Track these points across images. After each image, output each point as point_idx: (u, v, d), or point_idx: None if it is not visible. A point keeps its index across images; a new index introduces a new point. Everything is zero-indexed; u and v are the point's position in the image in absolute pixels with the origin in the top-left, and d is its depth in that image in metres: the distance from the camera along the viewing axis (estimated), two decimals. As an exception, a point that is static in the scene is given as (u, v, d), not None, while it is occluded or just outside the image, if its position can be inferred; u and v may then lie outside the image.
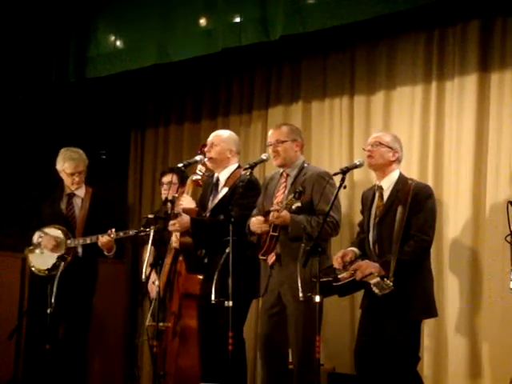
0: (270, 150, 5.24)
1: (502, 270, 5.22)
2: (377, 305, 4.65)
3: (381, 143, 4.81)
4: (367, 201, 4.93)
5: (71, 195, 6.13)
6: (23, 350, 6.69)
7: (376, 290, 4.52)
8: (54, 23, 7.15)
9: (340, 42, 6.39)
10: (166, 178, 6.34)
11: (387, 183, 4.81)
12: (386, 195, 4.79)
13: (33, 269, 6.01)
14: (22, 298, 6.76)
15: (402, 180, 4.79)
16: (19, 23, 7.05)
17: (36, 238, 5.98)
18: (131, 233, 5.85)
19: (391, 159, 4.82)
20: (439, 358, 5.62)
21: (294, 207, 4.86)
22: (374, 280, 4.52)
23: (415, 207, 4.64)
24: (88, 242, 5.92)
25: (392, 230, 4.62)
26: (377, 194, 4.84)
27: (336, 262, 4.79)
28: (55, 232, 5.96)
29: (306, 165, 5.23)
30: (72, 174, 6.06)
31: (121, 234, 5.87)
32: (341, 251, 4.90)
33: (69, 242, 5.92)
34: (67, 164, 6.06)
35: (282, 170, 5.25)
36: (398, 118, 6.03)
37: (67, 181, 6.10)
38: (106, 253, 5.98)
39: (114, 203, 6.57)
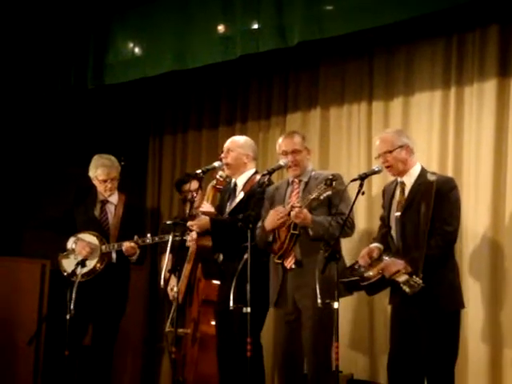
0: (286, 158, 5.22)
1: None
2: (406, 300, 4.61)
3: (390, 151, 4.79)
4: (388, 195, 4.92)
5: (104, 202, 6.13)
6: (42, 356, 6.72)
7: (407, 290, 4.45)
8: (72, 30, 7.20)
9: (358, 48, 6.37)
10: (194, 185, 6.34)
11: (409, 179, 4.80)
12: (407, 190, 4.78)
13: (65, 273, 6.00)
14: (41, 304, 6.78)
15: (423, 174, 4.76)
16: (39, 30, 7.10)
17: (70, 243, 5.99)
18: (166, 238, 5.84)
19: (406, 156, 4.80)
20: (460, 363, 5.56)
21: (324, 196, 4.81)
22: (403, 278, 4.46)
23: (439, 201, 4.60)
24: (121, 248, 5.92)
25: (417, 225, 4.59)
26: (398, 190, 4.82)
27: (362, 260, 4.77)
28: (90, 238, 5.96)
29: (313, 172, 5.25)
30: (105, 181, 6.07)
31: (156, 239, 5.89)
32: (366, 248, 4.88)
33: (103, 247, 5.93)
34: (100, 171, 6.07)
35: (291, 179, 5.25)
36: (417, 124, 6.00)
37: (100, 187, 6.10)
38: (129, 257, 5.98)
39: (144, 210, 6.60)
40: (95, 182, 6.12)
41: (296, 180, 5.23)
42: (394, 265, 4.57)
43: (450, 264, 4.69)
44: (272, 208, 5.20)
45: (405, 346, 4.71)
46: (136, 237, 5.87)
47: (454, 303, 4.69)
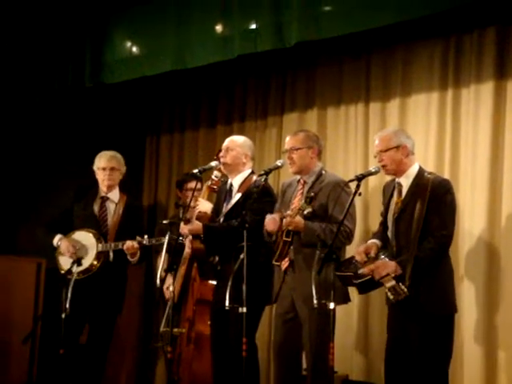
0: (285, 156, 5.25)
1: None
2: (400, 301, 4.58)
3: (386, 149, 4.77)
4: (387, 193, 4.90)
5: (105, 199, 6.06)
6: (38, 355, 6.71)
7: (390, 296, 4.48)
8: (70, 28, 7.17)
9: (355, 48, 6.38)
10: (191, 185, 6.35)
11: (406, 179, 4.76)
12: (404, 191, 4.75)
13: (62, 271, 5.95)
14: (36, 302, 6.77)
15: (420, 174, 4.74)
16: (36, 28, 7.08)
17: (56, 241, 5.95)
18: (163, 240, 5.81)
19: (402, 157, 4.76)
20: (455, 366, 5.57)
21: (305, 212, 4.85)
22: (389, 284, 4.47)
23: (434, 202, 4.58)
24: (120, 247, 5.85)
25: (410, 225, 4.58)
26: (396, 191, 4.80)
27: (359, 256, 4.71)
28: (87, 235, 5.92)
29: (323, 172, 5.21)
30: (104, 169, 6.03)
31: (153, 241, 5.86)
32: (363, 245, 4.84)
33: (100, 246, 5.91)
34: (102, 159, 6.04)
35: (299, 177, 5.25)
36: (414, 125, 5.99)
37: (100, 176, 6.05)
38: (129, 258, 5.92)
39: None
40: (97, 174, 6.06)
41: (301, 180, 5.22)
42: (384, 267, 4.55)
43: (444, 268, 4.66)
44: (281, 205, 5.22)
45: (399, 346, 4.71)
46: (138, 237, 5.84)
47: (447, 307, 4.67)
